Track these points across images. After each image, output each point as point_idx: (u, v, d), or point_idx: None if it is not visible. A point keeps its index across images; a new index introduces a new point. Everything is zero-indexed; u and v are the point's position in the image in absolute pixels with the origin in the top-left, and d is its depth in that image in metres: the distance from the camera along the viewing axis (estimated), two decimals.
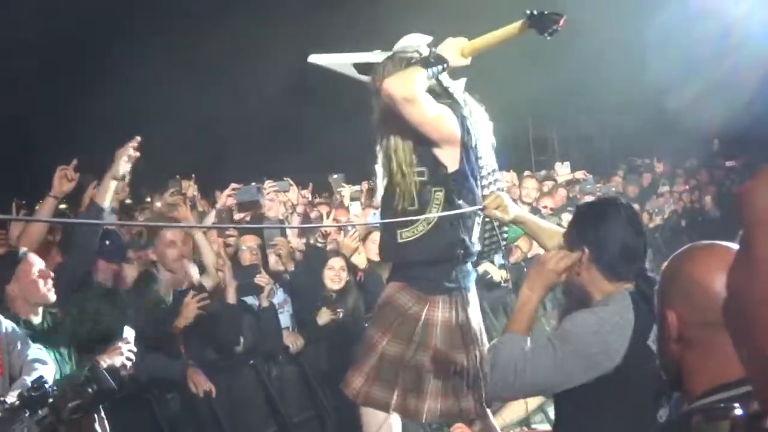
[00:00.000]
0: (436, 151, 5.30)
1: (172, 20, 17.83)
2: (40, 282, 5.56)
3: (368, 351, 5.50)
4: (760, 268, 0.79)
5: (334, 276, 8.08)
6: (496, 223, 5.42)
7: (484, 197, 5.26)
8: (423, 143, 5.30)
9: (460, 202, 5.28)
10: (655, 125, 18.40)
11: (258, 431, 7.59)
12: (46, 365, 5.18)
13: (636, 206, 13.50)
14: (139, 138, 6.19)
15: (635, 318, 3.65)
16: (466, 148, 5.32)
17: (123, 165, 6.12)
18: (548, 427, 7.98)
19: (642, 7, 17.49)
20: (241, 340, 7.47)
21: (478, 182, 5.39)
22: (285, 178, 9.75)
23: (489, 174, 5.45)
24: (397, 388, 5.38)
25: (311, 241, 8.68)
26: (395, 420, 5.50)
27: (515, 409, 6.25)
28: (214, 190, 10.87)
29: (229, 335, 7.35)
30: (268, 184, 8.98)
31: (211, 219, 8.44)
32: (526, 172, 13.59)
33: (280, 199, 9.55)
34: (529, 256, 10.67)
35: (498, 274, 10.03)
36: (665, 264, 2.35)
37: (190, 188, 9.43)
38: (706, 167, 18.56)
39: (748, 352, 0.82)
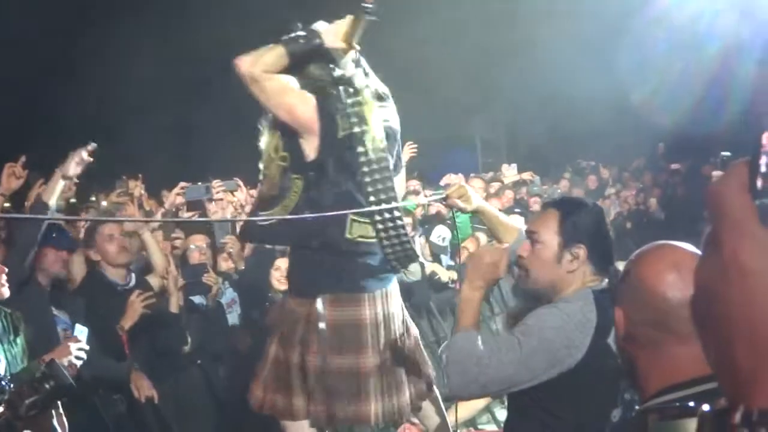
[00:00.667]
0: (300, 139, 5.24)
1: (124, 18, 17.69)
2: None
3: (263, 358, 5.50)
4: (731, 268, 0.81)
5: (281, 276, 8.03)
6: (406, 236, 5.34)
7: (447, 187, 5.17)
8: (287, 129, 5.26)
9: (317, 193, 5.20)
10: (602, 128, 18.54)
11: (204, 431, 7.56)
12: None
13: None
14: (95, 144, 6.17)
15: (597, 316, 3.69)
16: (329, 139, 5.19)
17: (74, 167, 6.10)
18: (495, 427, 8.04)
19: (589, 11, 17.62)
20: (189, 339, 7.42)
21: (359, 176, 5.21)
22: (234, 178, 9.70)
23: (380, 169, 5.26)
24: (293, 392, 5.30)
25: (240, 232, 8.61)
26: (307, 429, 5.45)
27: (467, 407, 6.27)
28: (161, 190, 10.79)
29: (173, 341, 7.30)
30: (217, 184, 8.94)
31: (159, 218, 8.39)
32: (472, 174, 13.61)
33: (228, 198, 9.52)
34: None
35: (446, 275, 10.06)
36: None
37: (137, 188, 9.35)
38: (651, 170, 18.75)
39: (718, 351, 0.84)
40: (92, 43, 17.52)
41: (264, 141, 5.43)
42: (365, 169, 5.21)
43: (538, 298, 3.94)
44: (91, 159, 6.14)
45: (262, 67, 5.07)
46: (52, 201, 6.14)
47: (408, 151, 9.93)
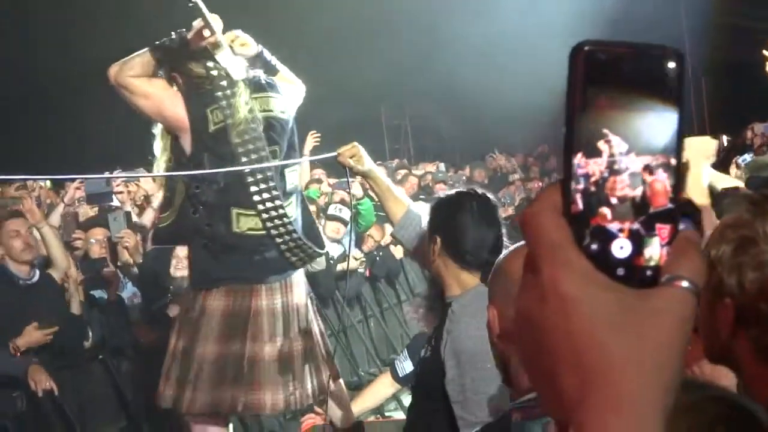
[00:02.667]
0: (179, 139, 5.36)
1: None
2: None
3: (167, 353, 5.55)
4: (550, 293, 0.81)
5: (178, 264, 7.95)
6: (294, 231, 5.41)
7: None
8: (167, 130, 5.41)
9: (198, 191, 5.28)
10: (507, 114, 18.70)
11: (108, 426, 7.49)
12: None
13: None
14: None
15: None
16: (200, 134, 5.31)
17: None
18: (402, 415, 8.06)
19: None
20: (90, 334, 7.33)
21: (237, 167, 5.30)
22: (138, 168, 9.60)
23: (258, 159, 5.34)
24: (186, 384, 5.33)
25: (150, 237, 8.53)
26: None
27: (373, 396, 6.28)
28: (63, 183, 10.62)
29: (73, 338, 7.20)
30: (118, 174, 8.85)
31: (58, 212, 8.26)
32: (378, 162, 13.62)
33: (130, 189, 9.42)
34: (382, 244, 10.72)
35: (353, 263, 10.10)
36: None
37: (36, 182, 9.21)
38: (555, 155, 18.98)
39: (543, 377, 0.84)
40: None
41: (157, 145, 5.51)
42: (243, 159, 5.29)
43: (439, 289, 3.98)
44: None
45: (129, 73, 5.21)
46: None
47: (311, 140, 9.95)
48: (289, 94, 5.68)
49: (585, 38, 0.81)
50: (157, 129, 5.49)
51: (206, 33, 5.27)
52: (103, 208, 8.92)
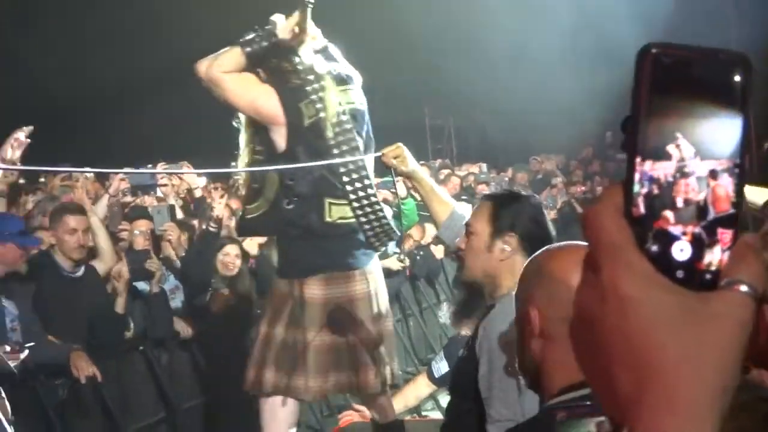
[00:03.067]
0: (270, 132, 5.42)
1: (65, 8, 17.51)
2: None
3: (255, 340, 5.65)
4: (609, 293, 0.81)
5: (229, 263, 8.00)
6: (382, 212, 5.47)
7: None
8: (258, 123, 5.47)
9: (292, 182, 5.34)
10: (550, 116, 18.64)
11: (147, 417, 7.54)
12: None
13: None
14: (31, 127, 6.13)
15: None
16: (296, 128, 5.36)
17: (11, 150, 6.05)
18: (439, 414, 8.06)
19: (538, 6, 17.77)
20: (131, 325, 7.38)
21: (331, 159, 5.35)
22: (181, 162, 9.67)
23: (349, 150, 5.42)
24: (279, 369, 5.43)
25: (204, 227, 8.57)
26: (288, 406, 5.55)
27: (411, 395, 6.29)
28: (108, 175, 10.71)
29: (114, 329, 7.26)
30: (163, 167, 8.90)
31: (104, 203, 8.31)
32: (421, 162, 13.58)
33: (173, 182, 9.48)
34: (422, 243, 10.72)
35: (396, 264, 10.12)
36: (524, 267, 2.40)
37: (81, 174, 9.29)
38: (599, 159, 18.88)
39: (598, 375, 0.85)
40: (36, 31, 17.32)
41: (241, 138, 5.58)
42: (335, 151, 5.35)
43: (476, 289, 3.94)
44: (29, 140, 6.09)
45: (220, 69, 5.24)
46: None
47: None
48: (360, 84, 5.74)
49: (649, 41, 0.81)
50: (240, 122, 5.57)
51: (297, 30, 5.32)
52: (146, 200, 9.01)
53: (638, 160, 0.80)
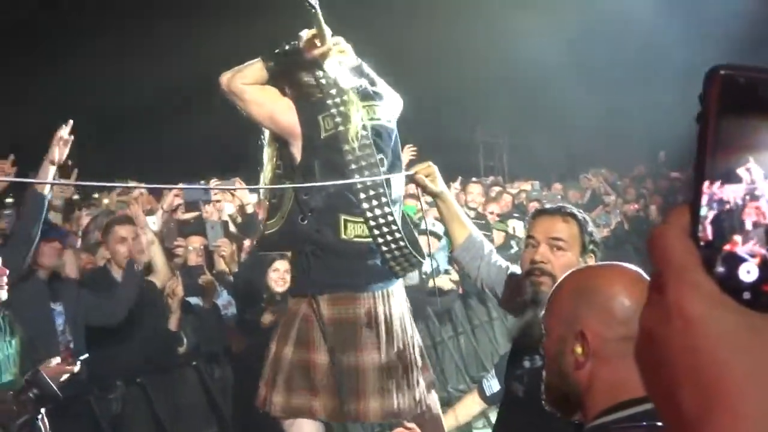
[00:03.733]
0: (289, 146, 5.39)
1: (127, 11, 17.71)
2: None
3: (266, 358, 5.56)
4: (675, 314, 0.81)
5: (278, 278, 8.03)
6: (401, 237, 5.39)
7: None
8: (279, 137, 5.45)
9: (307, 197, 5.28)
10: (603, 134, 18.56)
11: (199, 431, 7.57)
12: None
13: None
14: (71, 121, 6.21)
15: None
16: (312, 141, 5.32)
17: (58, 150, 6.14)
18: None
19: (592, 15, 17.68)
20: (184, 340, 7.44)
21: (348, 175, 5.29)
22: (233, 178, 9.72)
23: (368, 165, 5.35)
24: (287, 390, 5.36)
25: (255, 243, 8.62)
26: (310, 426, 5.51)
27: (462, 413, 6.28)
28: (161, 190, 10.80)
29: (167, 344, 7.31)
30: (215, 183, 8.95)
31: (158, 218, 8.39)
32: (473, 178, 13.54)
33: (226, 199, 9.53)
34: None
35: (448, 284, 10.14)
36: (553, 290, 2.36)
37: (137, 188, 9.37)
38: (651, 177, 18.74)
39: (663, 395, 0.85)
40: (93, 42, 17.51)
41: (264, 154, 5.59)
42: (353, 167, 5.29)
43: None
44: (71, 137, 6.18)
45: (241, 81, 5.28)
46: (46, 190, 6.25)
47: (408, 154, 9.94)
48: (391, 102, 5.72)
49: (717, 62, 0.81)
50: (265, 138, 5.57)
51: (318, 42, 5.33)
52: (200, 215, 9.05)
53: (706, 183, 0.80)
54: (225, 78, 5.31)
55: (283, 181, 5.46)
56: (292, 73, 5.43)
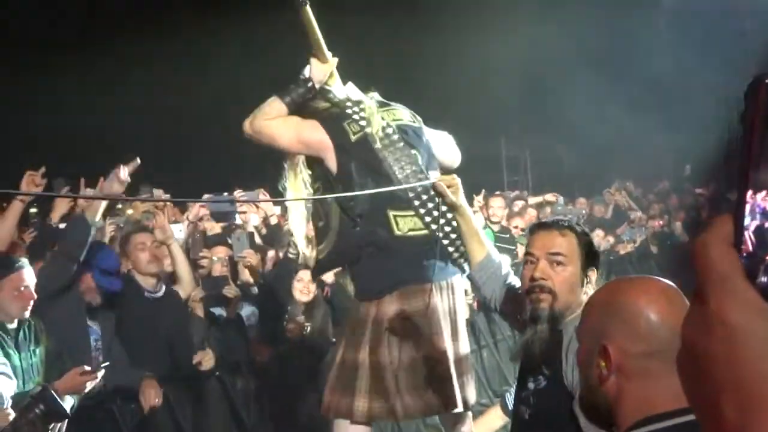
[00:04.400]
0: (323, 163, 5.44)
1: (146, 27, 17.79)
2: (20, 300, 5.57)
3: (332, 363, 5.58)
4: (716, 323, 0.81)
5: (303, 288, 8.04)
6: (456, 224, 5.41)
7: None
8: (311, 159, 5.52)
9: (352, 203, 5.31)
10: (627, 148, 18.50)
11: None
12: (9, 380, 5.16)
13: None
14: (138, 161, 6.28)
15: None
16: (344, 147, 5.37)
17: (117, 186, 6.21)
18: None
19: (615, 32, 17.68)
20: (209, 351, 7.45)
21: (389, 171, 5.33)
22: (258, 189, 9.74)
23: (408, 161, 5.37)
24: (356, 393, 5.33)
25: (281, 254, 8.63)
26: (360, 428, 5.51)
27: (485, 427, 6.25)
28: (186, 201, 10.84)
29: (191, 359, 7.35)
30: (239, 195, 8.98)
31: (183, 229, 8.43)
32: (497, 192, 13.47)
33: (251, 210, 9.55)
34: None
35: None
36: (587, 302, 2.36)
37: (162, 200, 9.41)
38: (676, 192, 18.64)
39: (704, 405, 0.84)
40: (116, 52, 17.64)
41: (289, 182, 5.63)
42: (390, 160, 5.34)
43: (549, 322, 3.90)
44: (129, 179, 6.26)
45: (264, 118, 5.38)
46: (97, 218, 6.32)
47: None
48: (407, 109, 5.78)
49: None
50: (287, 165, 5.62)
51: (321, 60, 5.45)
52: (226, 226, 9.08)
53: (750, 193, 0.80)
54: (248, 123, 5.41)
55: (326, 201, 5.51)
56: (306, 105, 5.51)
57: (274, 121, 5.39)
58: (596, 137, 18.32)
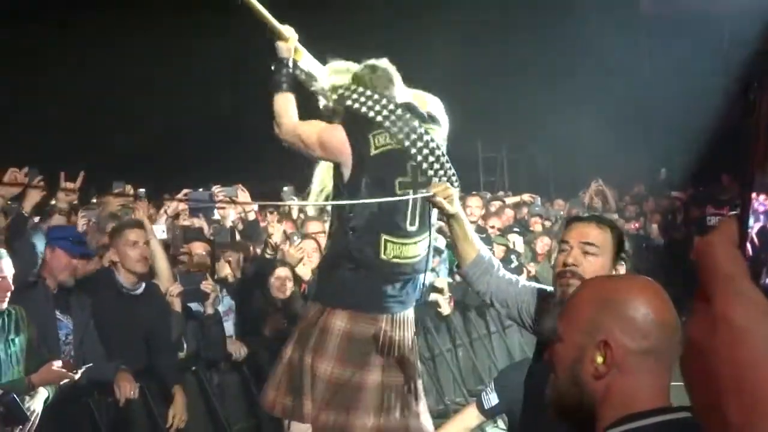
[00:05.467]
0: (341, 166, 5.50)
1: (136, 23, 17.75)
2: None
3: (278, 361, 5.65)
4: (721, 324, 0.82)
5: (280, 285, 8.05)
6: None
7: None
8: (331, 161, 5.58)
9: (351, 215, 5.37)
10: (603, 150, 18.53)
11: None
12: None
13: None
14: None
15: None
16: (360, 158, 5.41)
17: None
18: None
19: (593, 35, 17.73)
20: (185, 346, 7.43)
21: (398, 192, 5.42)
22: (235, 184, 9.73)
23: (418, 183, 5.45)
24: (304, 395, 5.41)
25: (258, 252, 8.61)
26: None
27: (459, 426, 6.25)
28: (162, 196, 10.81)
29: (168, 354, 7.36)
30: (217, 190, 8.97)
31: (161, 226, 8.39)
32: (473, 192, 13.46)
33: (229, 206, 9.54)
34: None
35: (447, 308, 10.21)
36: (572, 297, 2.35)
37: (136, 194, 9.37)
38: (652, 195, 18.67)
39: (708, 405, 0.85)
40: (85, 45, 17.58)
41: (320, 167, 5.80)
42: (399, 181, 5.41)
43: None
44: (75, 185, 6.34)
45: (281, 118, 5.48)
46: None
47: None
48: (444, 127, 5.81)
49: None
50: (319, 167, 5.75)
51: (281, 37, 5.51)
52: (204, 222, 9.05)
53: (754, 195, 0.81)
54: (277, 130, 5.50)
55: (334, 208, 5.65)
56: (297, 78, 5.60)
57: (300, 123, 5.47)
58: (572, 138, 18.37)
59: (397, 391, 5.50)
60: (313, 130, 5.47)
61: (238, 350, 7.87)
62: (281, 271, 8.10)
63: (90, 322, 6.64)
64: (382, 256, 5.37)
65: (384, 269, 5.39)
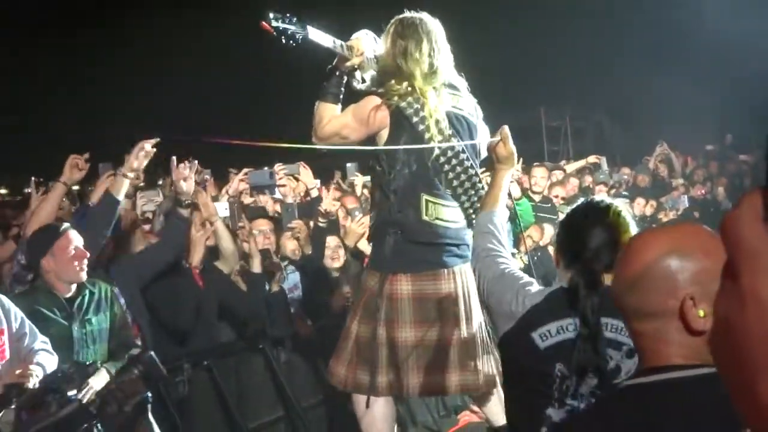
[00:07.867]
0: (377, 137, 5.53)
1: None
2: (75, 261, 5.59)
3: (344, 336, 5.66)
4: (749, 300, 0.79)
5: (332, 254, 8.09)
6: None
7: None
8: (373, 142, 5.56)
9: (390, 176, 5.43)
10: (669, 115, 18.31)
11: (266, 415, 7.59)
12: (51, 356, 5.18)
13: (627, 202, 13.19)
14: (158, 138, 6.28)
15: (533, 308, 3.54)
16: (398, 121, 5.44)
17: (136, 161, 6.21)
18: None
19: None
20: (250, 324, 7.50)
21: (435, 158, 5.44)
22: (298, 162, 9.74)
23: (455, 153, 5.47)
24: (377, 367, 5.44)
25: (311, 223, 8.61)
26: (383, 404, 5.54)
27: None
28: (226, 174, 10.87)
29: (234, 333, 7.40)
30: (279, 168, 8.98)
31: (224, 204, 8.43)
32: (536, 162, 13.29)
33: (291, 184, 9.55)
34: (540, 244, 10.57)
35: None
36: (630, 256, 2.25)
37: (202, 172, 9.42)
38: (718, 160, 18.42)
39: (738, 382, 0.82)
40: (147, 32, 17.73)
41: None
42: (439, 138, 5.37)
43: None
44: (153, 151, 6.25)
45: (322, 125, 5.51)
46: (120, 196, 6.31)
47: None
48: (469, 98, 5.77)
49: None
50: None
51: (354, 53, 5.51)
52: (266, 200, 9.07)
53: None
54: (314, 138, 5.55)
55: (374, 173, 5.66)
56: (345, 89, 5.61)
57: (334, 121, 5.47)
58: (636, 104, 18.18)
59: (476, 346, 5.51)
60: (345, 118, 5.50)
61: (304, 327, 7.89)
62: (331, 240, 8.12)
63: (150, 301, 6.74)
64: (425, 217, 5.41)
65: (425, 230, 5.42)
